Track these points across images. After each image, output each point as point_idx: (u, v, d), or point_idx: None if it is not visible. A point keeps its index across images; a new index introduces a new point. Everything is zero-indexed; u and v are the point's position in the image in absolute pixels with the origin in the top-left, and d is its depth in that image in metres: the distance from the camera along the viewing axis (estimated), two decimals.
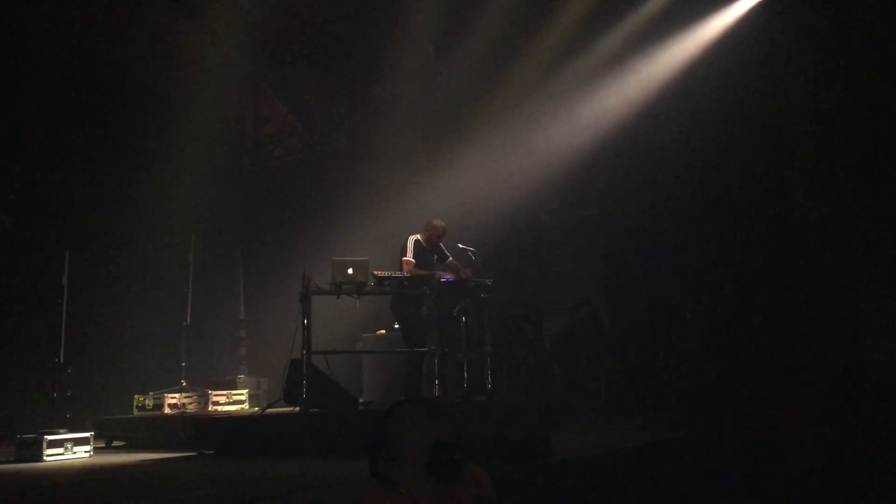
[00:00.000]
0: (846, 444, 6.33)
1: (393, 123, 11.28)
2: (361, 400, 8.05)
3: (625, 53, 9.70)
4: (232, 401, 9.45)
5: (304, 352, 7.07)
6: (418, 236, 8.04)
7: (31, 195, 9.59)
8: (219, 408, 9.17)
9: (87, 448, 7.27)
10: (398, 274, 7.70)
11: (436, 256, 8.07)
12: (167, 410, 8.70)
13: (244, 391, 9.77)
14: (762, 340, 8.61)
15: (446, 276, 7.83)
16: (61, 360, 7.73)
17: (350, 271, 7.37)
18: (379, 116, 11.51)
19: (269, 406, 7.78)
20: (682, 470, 6.19)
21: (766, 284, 8.89)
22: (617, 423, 8.04)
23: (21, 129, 9.48)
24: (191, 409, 8.92)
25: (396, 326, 8.41)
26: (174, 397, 8.87)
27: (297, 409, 7.03)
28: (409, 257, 7.83)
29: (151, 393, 8.95)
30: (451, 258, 8.12)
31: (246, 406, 9.58)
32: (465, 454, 2.44)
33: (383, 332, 9.14)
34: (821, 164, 8.89)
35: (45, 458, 6.83)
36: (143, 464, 6.71)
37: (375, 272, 7.52)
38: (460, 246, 8.31)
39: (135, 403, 8.90)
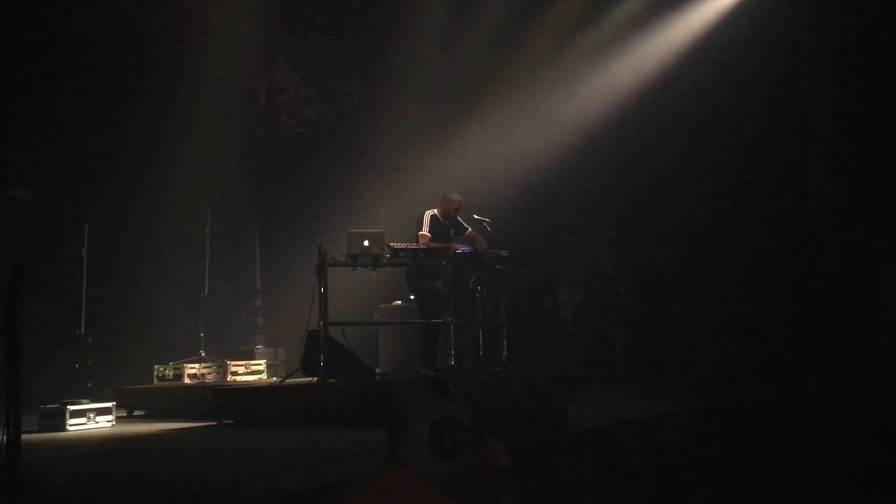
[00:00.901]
0: (861, 413, 6.34)
1: (407, 92, 11.24)
2: (378, 370, 8.12)
3: (641, 23, 9.60)
4: (250, 371, 9.54)
5: (321, 323, 7.11)
6: (434, 211, 8.01)
7: (50, 168, 9.64)
8: (237, 378, 9.27)
9: (110, 418, 7.37)
10: (414, 246, 7.71)
11: (453, 232, 8.04)
12: (187, 380, 8.80)
13: (262, 361, 9.86)
14: (778, 311, 8.60)
15: (462, 248, 7.84)
16: (82, 331, 7.83)
17: (366, 243, 7.38)
18: (393, 85, 11.46)
19: (288, 377, 7.86)
20: (698, 439, 6.23)
21: (782, 256, 8.85)
22: (632, 391, 8.09)
23: (39, 102, 9.50)
24: (210, 379, 9.02)
25: (412, 298, 8.44)
26: (193, 367, 8.97)
27: (315, 379, 7.10)
28: (425, 231, 7.84)
29: (171, 363, 9.04)
30: (469, 229, 8.10)
31: (264, 376, 9.68)
32: (476, 431, 2.47)
33: (399, 303, 9.18)
34: (838, 137, 8.81)
35: (68, 427, 6.94)
36: (164, 433, 6.82)
37: (391, 244, 7.53)
38: (476, 216, 8.29)
39: (155, 374, 9.01)
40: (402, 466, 2.33)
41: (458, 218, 8.11)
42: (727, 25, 9.18)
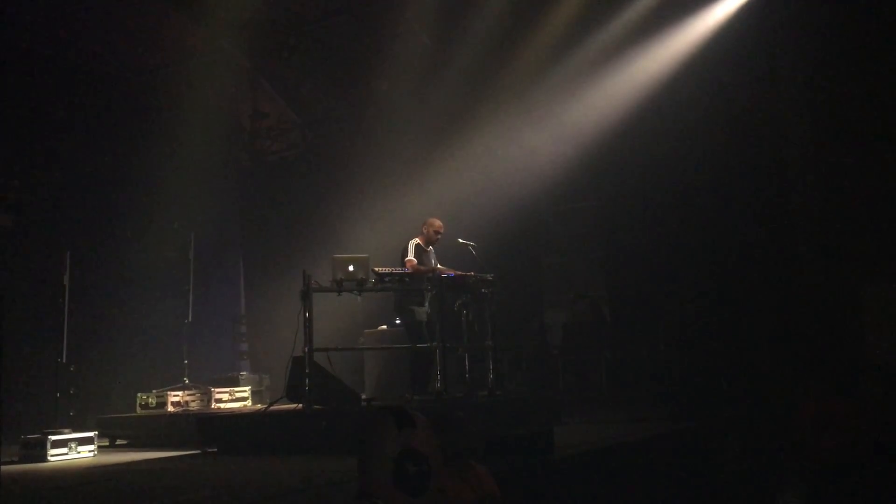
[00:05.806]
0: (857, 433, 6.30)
1: (391, 117, 11.26)
2: (364, 396, 8.07)
3: (625, 45, 9.67)
4: (235, 398, 9.46)
5: (306, 349, 7.07)
6: (418, 240, 8.09)
7: (32, 195, 9.58)
8: (221, 405, 9.19)
9: (91, 447, 7.28)
10: (399, 270, 7.71)
11: (434, 260, 8.09)
12: (170, 408, 8.71)
13: (247, 388, 9.78)
14: (764, 331, 8.62)
15: (447, 272, 7.85)
16: (64, 360, 7.73)
17: (351, 268, 7.35)
18: (377, 110, 11.48)
19: (272, 403, 7.79)
20: (685, 462, 6.21)
21: (766, 274, 8.90)
22: (619, 414, 8.07)
23: (20, 128, 9.45)
24: (194, 406, 8.94)
25: (398, 322, 8.41)
26: (177, 395, 8.89)
27: (300, 406, 7.04)
28: (411, 257, 7.88)
29: (154, 391, 8.96)
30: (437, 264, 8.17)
31: (249, 403, 9.60)
32: (447, 459, 2.41)
33: (384, 327, 9.14)
34: (819, 154, 8.90)
35: (49, 458, 6.86)
36: (147, 463, 6.73)
37: (376, 269, 7.51)
38: (461, 241, 8.30)
39: (138, 402, 8.92)
40: (367, 502, 2.27)
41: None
42: (713, 50, 9.26)
